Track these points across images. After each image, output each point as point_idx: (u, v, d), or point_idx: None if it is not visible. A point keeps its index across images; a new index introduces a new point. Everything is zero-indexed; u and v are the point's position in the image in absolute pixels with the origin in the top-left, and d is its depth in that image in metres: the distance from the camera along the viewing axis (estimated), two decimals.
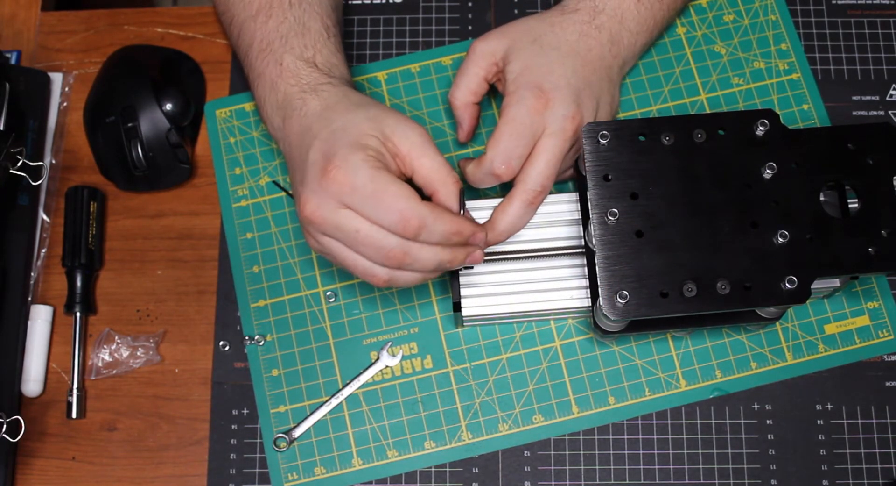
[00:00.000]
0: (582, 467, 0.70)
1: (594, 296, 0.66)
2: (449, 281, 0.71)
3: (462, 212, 0.62)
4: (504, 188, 0.76)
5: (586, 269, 0.69)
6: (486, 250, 0.69)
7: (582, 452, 0.71)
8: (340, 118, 0.61)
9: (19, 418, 0.71)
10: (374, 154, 0.59)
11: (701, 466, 0.70)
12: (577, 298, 0.69)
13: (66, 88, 0.81)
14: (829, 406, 0.71)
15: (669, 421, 0.71)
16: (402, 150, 0.60)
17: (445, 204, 0.61)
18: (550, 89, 0.65)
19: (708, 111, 0.77)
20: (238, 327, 0.74)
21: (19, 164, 0.73)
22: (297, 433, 0.71)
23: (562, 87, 0.66)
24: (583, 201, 0.68)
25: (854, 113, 0.78)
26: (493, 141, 0.66)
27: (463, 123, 0.72)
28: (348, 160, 0.58)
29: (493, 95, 0.78)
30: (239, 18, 0.71)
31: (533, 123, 0.65)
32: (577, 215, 0.71)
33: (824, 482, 0.70)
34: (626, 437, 0.71)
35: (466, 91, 0.71)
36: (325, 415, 0.71)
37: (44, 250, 0.77)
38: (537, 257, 0.70)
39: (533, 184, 0.65)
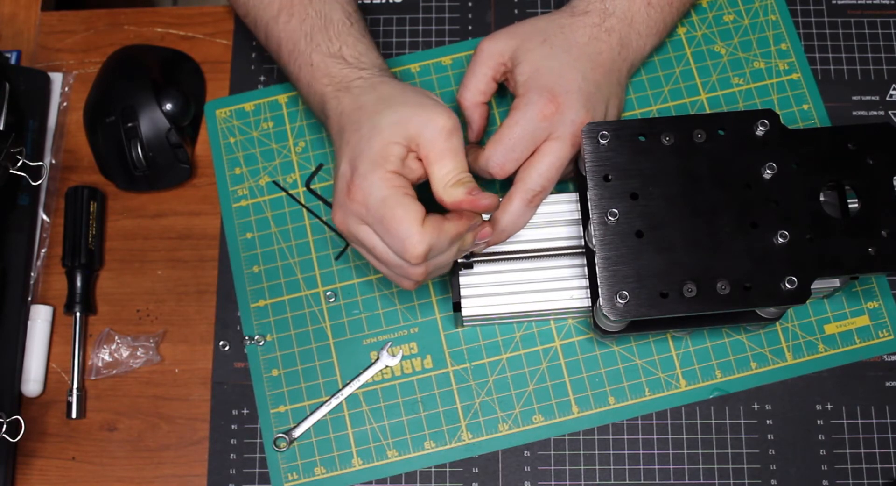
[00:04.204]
0: (582, 467, 0.70)
1: (594, 296, 0.66)
2: (449, 281, 0.71)
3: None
4: (504, 185, 0.76)
5: (586, 269, 0.69)
6: (486, 251, 0.69)
7: (582, 452, 0.71)
8: (368, 122, 0.61)
9: (19, 418, 0.71)
10: (394, 168, 0.59)
11: (701, 466, 0.70)
12: (577, 298, 0.69)
13: (66, 88, 0.81)
14: (829, 406, 0.71)
15: (669, 421, 0.71)
16: (424, 154, 0.60)
17: (449, 202, 0.60)
18: (561, 93, 0.65)
19: (708, 111, 0.77)
20: (238, 327, 0.74)
21: (19, 164, 0.73)
22: (297, 433, 0.71)
23: (573, 91, 0.66)
24: (583, 201, 0.68)
25: (854, 113, 0.78)
26: (494, 141, 0.66)
27: (473, 123, 0.72)
28: (367, 179, 0.59)
29: (498, 93, 0.77)
30: (262, 21, 0.71)
31: (537, 129, 0.65)
32: (577, 215, 0.71)
33: (824, 482, 0.70)
34: (626, 437, 0.71)
35: (475, 91, 0.70)
36: (325, 415, 0.71)
37: (44, 250, 0.77)
38: (537, 257, 0.69)
39: (533, 184, 0.66)
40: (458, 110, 0.73)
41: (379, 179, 0.59)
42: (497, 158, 0.66)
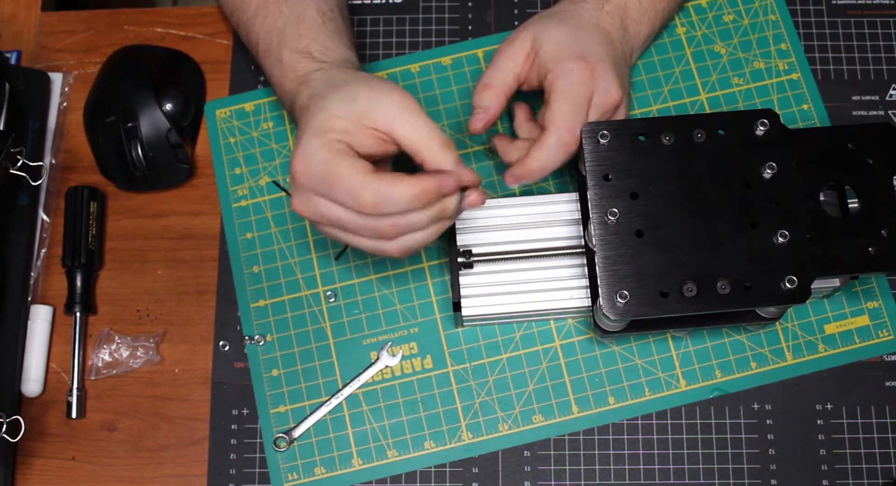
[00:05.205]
0: (582, 467, 0.70)
1: (594, 296, 0.66)
2: (449, 281, 0.71)
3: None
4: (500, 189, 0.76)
5: (586, 269, 0.69)
6: (485, 251, 0.69)
7: (582, 452, 0.71)
8: (315, 105, 0.60)
9: (19, 418, 0.71)
10: (336, 136, 0.57)
11: (701, 466, 0.70)
12: (577, 298, 0.69)
13: (66, 88, 0.81)
14: (829, 406, 0.71)
15: (669, 421, 0.71)
16: (380, 124, 0.58)
17: (436, 167, 0.58)
18: (592, 60, 0.66)
19: (708, 111, 0.77)
20: (238, 327, 0.74)
21: (19, 164, 0.73)
22: (297, 433, 0.71)
23: (602, 59, 0.67)
24: (583, 201, 0.68)
25: (854, 113, 0.78)
26: (554, 115, 0.65)
27: (490, 108, 0.68)
28: (307, 147, 0.57)
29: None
30: (242, 20, 0.71)
31: (585, 94, 0.66)
32: (577, 215, 0.71)
33: (824, 482, 0.70)
34: (626, 437, 0.71)
35: (501, 83, 0.68)
36: (325, 415, 0.71)
37: (44, 250, 0.77)
38: (537, 256, 0.69)
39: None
40: (452, 116, 0.73)
41: (318, 145, 0.57)
42: (566, 127, 0.64)
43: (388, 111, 0.58)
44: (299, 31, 0.67)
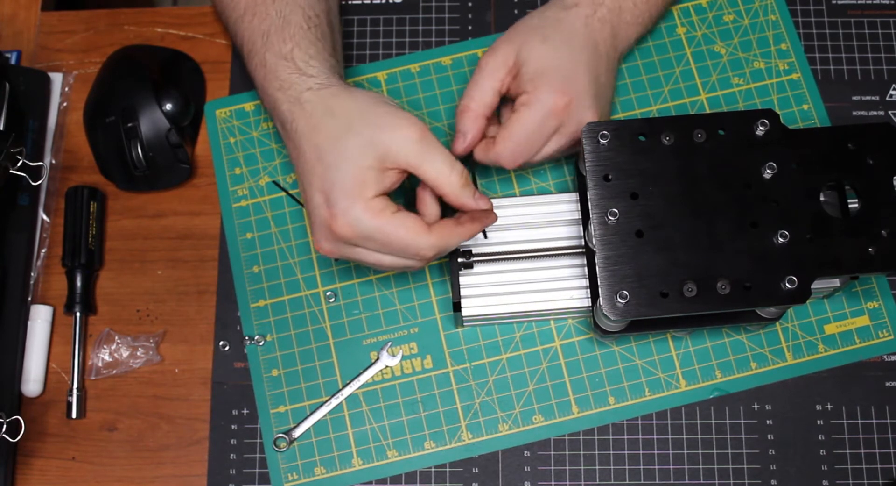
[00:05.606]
0: (582, 467, 0.70)
1: (594, 296, 0.66)
2: (449, 281, 0.71)
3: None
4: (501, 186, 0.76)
5: (586, 269, 0.69)
6: (485, 251, 0.69)
7: (582, 452, 0.71)
8: (331, 149, 0.61)
9: (19, 418, 0.71)
10: (373, 192, 0.60)
11: (701, 466, 0.70)
12: (577, 298, 0.69)
13: (66, 88, 0.81)
14: (829, 406, 0.71)
15: (669, 421, 0.71)
16: (401, 163, 0.60)
17: (457, 204, 0.62)
18: (570, 92, 0.66)
19: (708, 111, 0.77)
20: (238, 327, 0.74)
21: (19, 164, 0.73)
22: (297, 433, 0.71)
23: (581, 91, 0.66)
24: (583, 201, 0.68)
25: (854, 113, 0.78)
26: (506, 137, 0.66)
27: (468, 133, 0.68)
28: (350, 213, 0.59)
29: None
30: (231, 20, 0.71)
31: (548, 127, 0.66)
32: (577, 215, 0.71)
33: (824, 482, 0.70)
34: (626, 437, 0.71)
35: (480, 103, 0.68)
36: (325, 415, 0.71)
37: (44, 250, 0.77)
38: (537, 256, 0.70)
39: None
40: (452, 116, 0.73)
41: (362, 210, 0.59)
42: (508, 155, 0.67)
43: (407, 150, 0.60)
44: (284, 35, 0.66)
